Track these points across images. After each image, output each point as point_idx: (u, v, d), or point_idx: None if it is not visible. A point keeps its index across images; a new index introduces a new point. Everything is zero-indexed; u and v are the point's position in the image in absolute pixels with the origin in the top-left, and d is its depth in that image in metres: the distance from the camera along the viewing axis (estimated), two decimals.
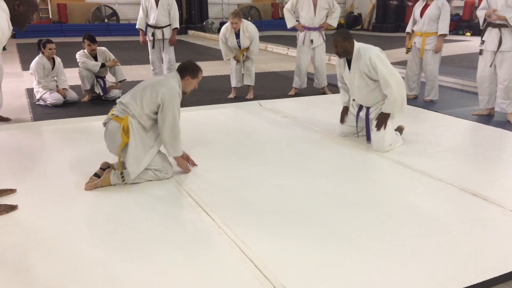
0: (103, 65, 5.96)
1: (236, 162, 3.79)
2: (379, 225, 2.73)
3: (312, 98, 6.43)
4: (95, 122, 4.97)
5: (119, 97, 6.03)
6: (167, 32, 6.51)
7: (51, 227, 2.68)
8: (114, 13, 17.03)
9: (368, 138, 4.22)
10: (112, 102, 6.02)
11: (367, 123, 4.21)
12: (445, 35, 5.92)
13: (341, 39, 3.99)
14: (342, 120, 4.46)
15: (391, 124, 4.10)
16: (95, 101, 6.08)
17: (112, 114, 3.30)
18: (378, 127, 4.04)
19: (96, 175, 3.32)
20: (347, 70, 4.19)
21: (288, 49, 11.65)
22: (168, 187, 3.26)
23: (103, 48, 6.11)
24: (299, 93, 6.74)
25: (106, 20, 16.81)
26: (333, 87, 7.08)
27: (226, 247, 2.46)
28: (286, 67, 9.35)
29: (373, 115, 4.17)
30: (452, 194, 3.21)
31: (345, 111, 4.47)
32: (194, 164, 3.61)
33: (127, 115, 3.21)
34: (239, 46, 6.13)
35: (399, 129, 4.45)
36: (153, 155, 3.30)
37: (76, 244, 2.49)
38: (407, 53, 6.38)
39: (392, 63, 8.99)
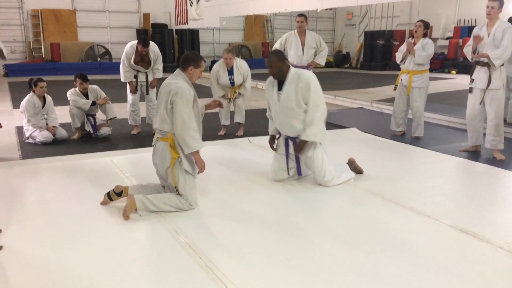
0: (93, 103, 6.00)
1: (225, 200, 3.77)
2: (368, 263, 2.70)
3: None
4: (85, 160, 4.95)
5: (109, 135, 6.15)
6: (150, 76, 6.31)
7: (36, 269, 2.62)
8: (107, 52, 17.27)
9: (299, 172, 4.20)
10: (102, 140, 6.04)
11: (297, 157, 4.11)
12: (415, 54, 5.98)
13: (276, 60, 3.89)
14: (273, 147, 4.31)
15: (327, 158, 4.06)
16: (85, 138, 6.07)
17: (157, 137, 3.47)
18: (297, 151, 4.02)
19: (108, 195, 3.54)
20: (276, 94, 4.03)
21: None
22: (156, 225, 3.22)
23: (95, 86, 6.16)
24: None
25: (98, 59, 17.03)
26: None
27: (214, 286, 2.41)
28: None
29: (306, 151, 4.05)
30: (441, 231, 3.21)
31: (272, 140, 4.33)
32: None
33: (170, 133, 3.36)
34: (232, 84, 6.20)
35: (350, 162, 4.42)
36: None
37: (63, 284, 2.43)
38: (395, 89, 6.49)
39: (380, 100, 9.24)
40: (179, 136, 3.31)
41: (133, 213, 3.35)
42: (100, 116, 6.34)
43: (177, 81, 3.37)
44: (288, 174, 4.22)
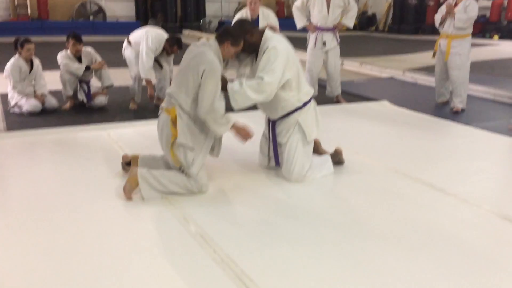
0: (87, 68, 5.87)
1: (241, 183, 3.66)
2: (411, 260, 2.59)
3: (324, 108, 6.30)
4: (78, 133, 4.87)
5: (105, 104, 6.05)
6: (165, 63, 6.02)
7: (24, 261, 2.54)
8: (101, 10, 17.05)
9: (277, 162, 3.79)
10: (97, 110, 5.94)
11: (274, 142, 3.78)
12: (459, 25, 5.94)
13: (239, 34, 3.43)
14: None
15: (304, 148, 3.68)
16: (78, 108, 5.98)
17: (161, 107, 3.39)
18: None
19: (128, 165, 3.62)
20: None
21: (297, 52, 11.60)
22: (162, 211, 3.13)
23: (89, 49, 6.03)
24: None
25: (91, 18, 16.83)
26: (348, 96, 7.01)
27: (231, 285, 2.32)
28: None
29: (282, 136, 3.70)
30: (494, 224, 3.08)
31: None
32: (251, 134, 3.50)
33: (174, 106, 3.27)
34: None
35: (336, 154, 4.02)
36: (207, 150, 3.39)
37: (55, 279, 2.35)
38: (433, 56, 6.47)
39: (414, 69, 9.02)
40: (208, 115, 3.24)
41: (136, 193, 3.26)
42: (95, 83, 6.22)
43: (211, 55, 3.24)
44: (268, 162, 3.89)
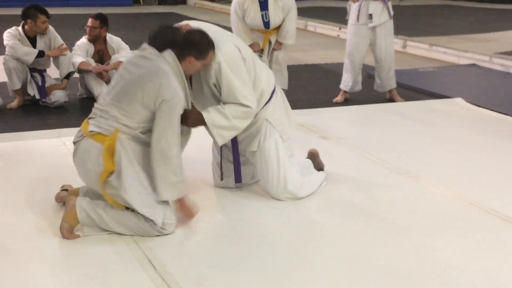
0: (41, 54, 5.96)
1: (233, 215, 3.73)
2: None
3: (371, 108, 6.34)
4: (25, 142, 4.97)
5: (64, 102, 6.14)
6: None
7: None
8: None
9: (238, 179, 3.97)
10: (54, 110, 6.05)
11: (235, 153, 3.91)
12: None
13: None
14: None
15: (285, 152, 3.85)
16: (29, 107, 6.11)
17: (91, 131, 3.32)
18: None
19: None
20: None
21: (340, 28, 11.66)
22: (121, 250, 3.20)
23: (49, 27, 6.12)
24: (351, 99, 6.67)
25: None
26: (407, 91, 7.02)
27: None
28: (335, 57, 9.29)
29: (247, 143, 3.86)
30: None
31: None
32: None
33: (117, 129, 3.26)
34: (266, 25, 6.06)
35: (312, 156, 4.26)
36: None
37: None
38: None
39: (506, 53, 8.90)
40: (159, 167, 3.29)
41: (77, 229, 3.31)
42: (52, 73, 6.35)
43: (172, 78, 3.30)
44: (222, 179, 4.06)
